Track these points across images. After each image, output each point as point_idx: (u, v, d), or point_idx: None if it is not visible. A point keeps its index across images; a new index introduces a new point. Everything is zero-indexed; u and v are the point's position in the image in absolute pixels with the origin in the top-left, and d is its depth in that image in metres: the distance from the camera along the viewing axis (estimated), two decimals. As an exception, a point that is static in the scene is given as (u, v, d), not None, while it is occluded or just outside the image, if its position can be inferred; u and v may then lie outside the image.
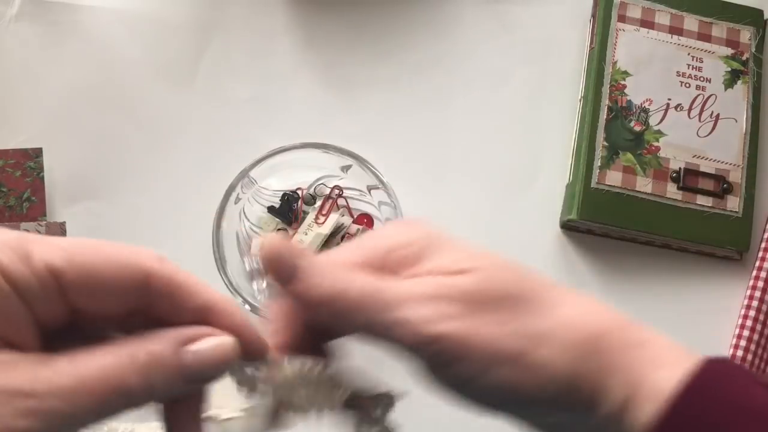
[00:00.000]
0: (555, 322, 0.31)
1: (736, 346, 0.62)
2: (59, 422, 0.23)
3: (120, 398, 0.25)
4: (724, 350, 0.63)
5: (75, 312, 0.26)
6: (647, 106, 0.65)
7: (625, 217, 0.62)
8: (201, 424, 0.28)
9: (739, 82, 0.66)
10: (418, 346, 0.30)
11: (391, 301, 0.30)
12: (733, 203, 0.63)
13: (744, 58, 0.66)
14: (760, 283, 0.63)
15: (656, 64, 0.65)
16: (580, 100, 0.67)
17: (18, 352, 0.24)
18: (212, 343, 0.27)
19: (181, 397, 0.27)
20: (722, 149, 0.64)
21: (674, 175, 0.63)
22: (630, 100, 0.65)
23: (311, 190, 0.64)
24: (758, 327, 0.62)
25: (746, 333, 0.62)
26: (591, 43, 0.68)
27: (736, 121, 0.65)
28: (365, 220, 0.63)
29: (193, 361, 0.26)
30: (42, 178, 0.64)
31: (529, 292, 0.32)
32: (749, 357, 0.61)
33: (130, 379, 0.25)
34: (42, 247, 0.25)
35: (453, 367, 0.30)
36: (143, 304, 0.27)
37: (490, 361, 0.30)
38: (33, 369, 0.23)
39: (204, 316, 0.27)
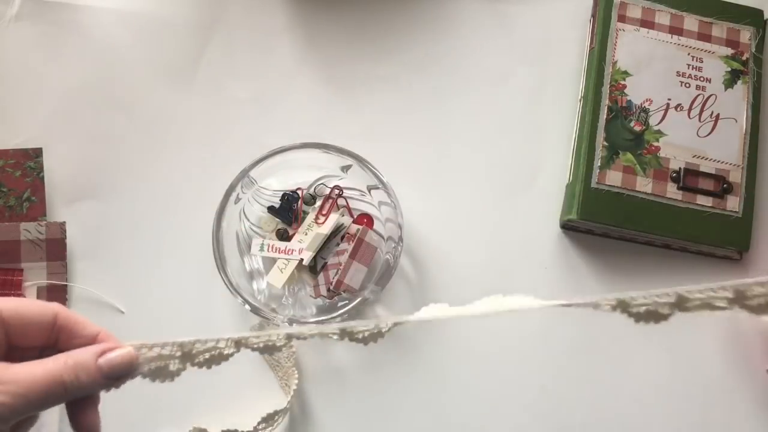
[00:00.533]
0: None
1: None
2: (21, 402, 0.36)
3: (58, 389, 0.38)
4: (724, 350, 0.63)
5: (9, 347, 0.39)
6: (647, 106, 0.65)
7: (625, 217, 0.62)
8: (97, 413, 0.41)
9: (739, 82, 0.66)
10: None
11: None
12: (733, 203, 0.63)
13: (744, 58, 0.66)
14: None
15: (656, 64, 0.65)
16: (580, 100, 0.67)
17: None
18: (118, 352, 0.39)
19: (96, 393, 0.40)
20: (722, 149, 0.64)
21: (674, 175, 0.63)
22: (630, 100, 0.65)
23: (311, 190, 0.64)
24: (758, 327, 0.62)
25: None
26: (591, 43, 0.68)
27: (736, 121, 0.65)
28: (365, 220, 0.63)
29: (106, 365, 0.39)
30: (42, 178, 0.64)
31: None
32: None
33: (65, 377, 0.38)
34: None
35: None
36: (53, 339, 0.40)
37: None
38: (2, 370, 0.37)
39: (93, 341, 0.40)
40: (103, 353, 0.39)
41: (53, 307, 0.40)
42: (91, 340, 0.40)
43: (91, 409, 0.40)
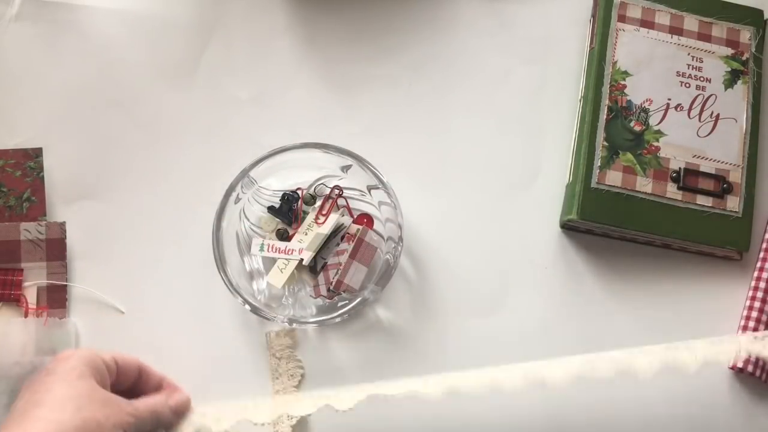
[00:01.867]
0: None
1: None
2: (140, 424, 0.51)
3: (154, 417, 0.52)
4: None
5: (116, 380, 0.53)
6: (647, 106, 0.65)
7: (625, 217, 0.62)
8: None
9: (739, 82, 0.66)
10: None
11: None
12: (733, 203, 0.63)
13: (744, 58, 0.66)
14: (762, 284, 0.63)
15: (656, 64, 0.65)
16: (580, 100, 0.67)
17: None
18: (180, 394, 0.55)
19: None
20: (722, 149, 0.64)
21: (674, 175, 0.63)
22: (630, 100, 0.65)
23: (311, 190, 0.64)
24: (761, 328, 0.62)
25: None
26: (591, 43, 0.68)
27: (736, 121, 0.65)
28: (365, 220, 0.63)
29: (174, 403, 0.54)
30: (42, 178, 0.64)
31: None
32: (752, 358, 0.61)
33: (164, 411, 0.53)
34: (104, 352, 0.52)
35: None
36: (137, 379, 0.54)
37: None
38: (127, 402, 0.51)
39: (161, 383, 0.55)
40: (171, 393, 0.55)
41: (137, 359, 0.54)
42: (159, 385, 0.55)
43: None
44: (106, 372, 0.51)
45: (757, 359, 0.61)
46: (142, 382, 0.54)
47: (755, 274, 0.64)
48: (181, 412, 0.54)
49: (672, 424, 0.62)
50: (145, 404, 0.52)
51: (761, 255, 0.64)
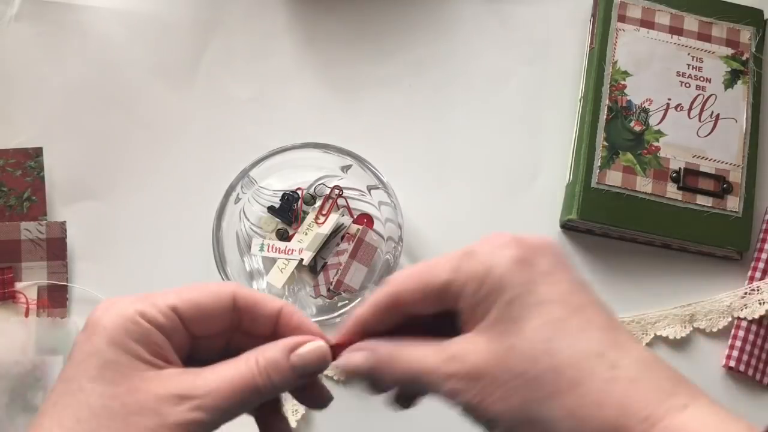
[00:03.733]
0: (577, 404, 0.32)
1: (732, 347, 0.62)
2: (217, 414, 0.33)
3: (253, 394, 0.34)
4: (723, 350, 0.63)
5: (194, 339, 0.36)
6: (647, 106, 0.65)
7: (625, 217, 0.62)
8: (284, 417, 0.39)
9: (739, 82, 0.66)
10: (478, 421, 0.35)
11: (435, 379, 0.35)
12: (733, 203, 0.63)
13: (744, 58, 0.66)
14: (756, 284, 0.63)
15: (656, 64, 0.65)
16: (580, 100, 0.67)
17: (174, 367, 0.34)
18: (311, 347, 0.35)
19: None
20: (722, 149, 0.64)
21: (674, 175, 0.63)
22: (630, 100, 0.65)
23: (311, 190, 0.64)
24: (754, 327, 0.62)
25: (741, 333, 0.62)
26: (591, 43, 0.68)
27: (736, 121, 0.65)
28: (365, 220, 0.63)
29: (299, 362, 0.35)
30: (42, 178, 0.64)
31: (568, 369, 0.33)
32: (744, 357, 0.62)
33: (257, 379, 0.34)
34: (162, 295, 0.35)
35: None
36: (235, 322, 0.36)
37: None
38: (189, 379, 0.33)
39: (275, 319, 0.37)
40: (294, 349, 0.35)
41: (230, 289, 0.36)
42: (274, 319, 0.37)
43: (280, 413, 0.38)
44: (154, 333, 0.34)
45: (749, 358, 0.62)
46: (246, 321, 0.37)
47: (749, 273, 0.64)
48: (310, 371, 0.36)
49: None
50: (233, 375, 0.34)
51: (755, 255, 0.64)
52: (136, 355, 0.33)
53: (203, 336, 0.36)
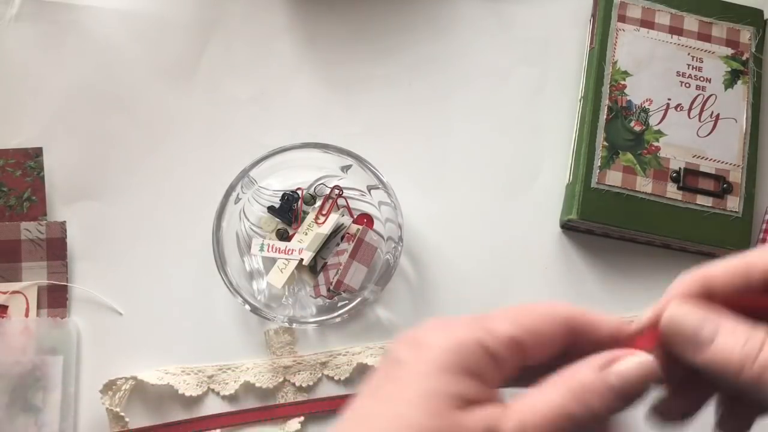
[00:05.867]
0: None
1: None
2: None
3: (568, 423, 0.29)
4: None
5: (525, 363, 0.32)
6: (647, 106, 0.65)
7: (625, 217, 0.62)
8: None
9: (739, 82, 0.66)
10: None
11: None
12: (733, 203, 0.63)
13: (744, 58, 0.66)
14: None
15: (656, 64, 0.65)
16: (580, 100, 0.67)
17: (492, 405, 0.30)
18: (633, 361, 0.30)
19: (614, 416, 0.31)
20: (722, 149, 0.64)
21: (674, 175, 0.63)
22: (630, 100, 0.65)
23: (311, 190, 0.64)
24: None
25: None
26: (591, 43, 0.68)
27: (736, 121, 0.65)
28: (365, 220, 0.63)
29: (617, 380, 0.30)
30: (42, 178, 0.64)
31: None
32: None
33: (572, 407, 0.29)
34: (499, 322, 0.31)
35: None
36: (566, 346, 0.32)
37: None
38: (497, 413, 0.30)
39: (614, 341, 0.32)
40: (608, 364, 0.31)
41: (565, 311, 0.32)
42: (609, 342, 0.32)
43: None
44: (487, 364, 0.31)
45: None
46: (579, 344, 0.33)
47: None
48: (634, 391, 0.30)
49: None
50: (543, 405, 0.30)
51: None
52: (466, 389, 0.30)
53: (534, 364, 0.32)
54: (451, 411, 0.29)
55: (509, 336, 0.31)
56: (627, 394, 0.30)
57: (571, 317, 0.32)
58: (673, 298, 0.32)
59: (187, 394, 0.60)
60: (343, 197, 0.63)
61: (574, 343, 0.32)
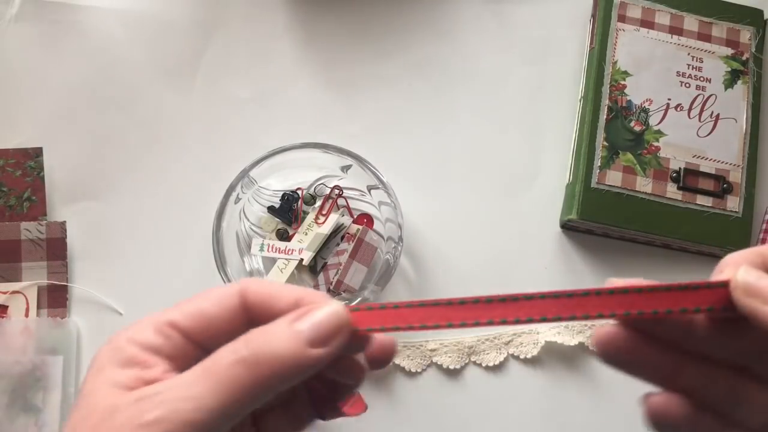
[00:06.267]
0: None
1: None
2: (216, 416, 0.29)
3: (249, 382, 0.29)
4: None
5: (204, 348, 0.32)
6: (647, 106, 0.65)
7: (625, 217, 0.62)
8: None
9: (739, 82, 0.66)
10: None
11: None
12: (733, 203, 0.63)
13: (744, 58, 0.66)
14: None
15: (656, 64, 0.65)
16: (580, 100, 0.67)
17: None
18: (323, 311, 0.31)
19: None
20: (722, 149, 0.64)
21: (674, 175, 0.63)
22: (630, 100, 0.65)
23: (311, 190, 0.64)
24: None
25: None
26: (591, 43, 0.68)
27: (736, 121, 0.65)
28: (365, 220, 0.63)
29: (310, 329, 0.30)
30: (42, 178, 0.64)
31: None
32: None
33: (247, 358, 0.30)
34: (163, 312, 0.32)
35: None
36: (248, 321, 0.32)
37: None
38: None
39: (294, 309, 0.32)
40: (298, 318, 0.31)
41: (236, 288, 0.32)
42: (292, 310, 0.32)
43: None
44: (140, 360, 0.31)
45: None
46: (263, 319, 0.32)
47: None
48: (324, 336, 0.31)
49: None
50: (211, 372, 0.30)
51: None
52: (114, 382, 0.31)
53: (215, 344, 0.32)
54: (116, 397, 0.30)
55: (168, 322, 0.32)
56: (318, 342, 0.30)
57: (246, 291, 0.32)
58: (737, 265, 0.33)
59: None
60: (343, 197, 0.63)
61: (257, 317, 0.32)
